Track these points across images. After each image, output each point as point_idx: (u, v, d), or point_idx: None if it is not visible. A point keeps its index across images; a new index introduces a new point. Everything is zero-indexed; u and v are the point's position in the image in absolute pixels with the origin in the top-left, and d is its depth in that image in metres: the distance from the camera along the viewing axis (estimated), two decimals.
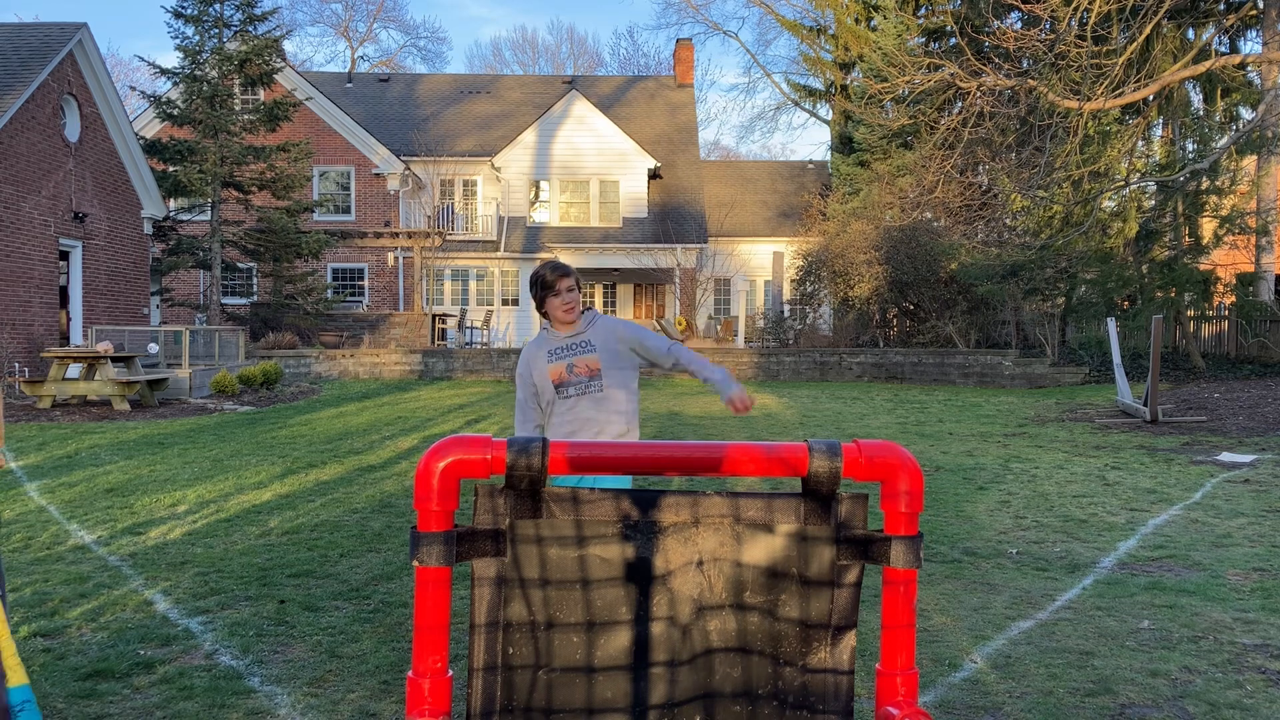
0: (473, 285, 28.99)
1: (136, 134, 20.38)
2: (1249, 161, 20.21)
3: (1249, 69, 20.39)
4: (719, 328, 27.82)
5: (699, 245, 28.71)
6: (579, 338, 3.86)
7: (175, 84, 21.88)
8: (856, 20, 33.24)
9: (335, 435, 11.47)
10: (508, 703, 1.50)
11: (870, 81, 24.83)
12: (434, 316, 24.96)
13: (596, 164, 29.49)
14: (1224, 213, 18.20)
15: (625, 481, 3.88)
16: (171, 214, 22.85)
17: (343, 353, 21.18)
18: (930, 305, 23.19)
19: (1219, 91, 20.53)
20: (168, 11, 21.33)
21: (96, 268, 18.68)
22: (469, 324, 25.57)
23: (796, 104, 40.09)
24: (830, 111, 36.17)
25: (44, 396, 13.74)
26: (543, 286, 3.84)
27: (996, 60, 18.35)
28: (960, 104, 20.90)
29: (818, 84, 37.88)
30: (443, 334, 25.44)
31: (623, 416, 3.83)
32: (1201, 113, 21.44)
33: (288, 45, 59.76)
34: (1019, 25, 20.51)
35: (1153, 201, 20.10)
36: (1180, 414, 13.15)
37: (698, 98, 59.77)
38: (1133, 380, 16.72)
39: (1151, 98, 18.89)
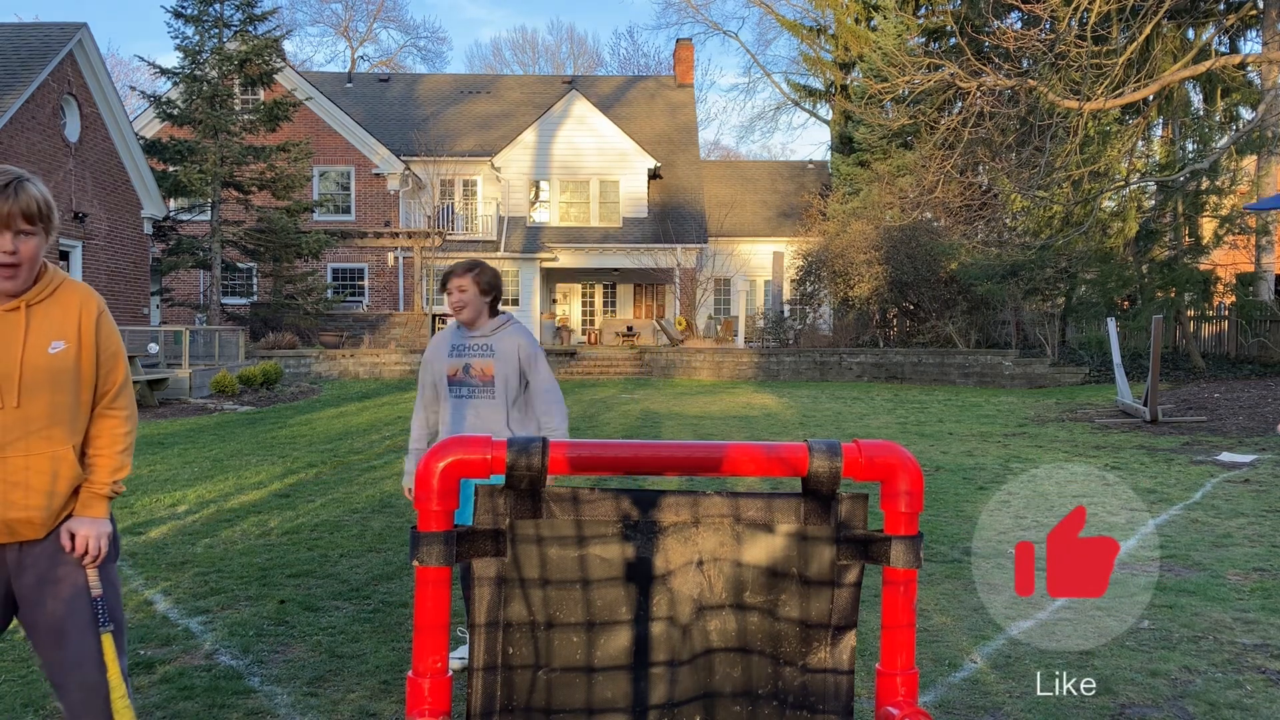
0: None
1: (136, 134, 20.37)
2: (1249, 161, 20.21)
3: (1249, 69, 20.38)
4: (719, 328, 27.81)
5: (699, 245, 28.70)
6: (483, 340, 3.78)
7: (175, 84, 21.88)
8: (856, 20, 33.23)
9: (335, 435, 11.47)
10: (508, 703, 1.50)
11: (870, 81, 24.82)
12: (434, 316, 24.96)
13: (596, 164, 29.48)
14: (1224, 213, 18.20)
15: None
16: (171, 214, 22.84)
17: (343, 353, 21.18)
18: (930, 305, 23.18)
19: (1219, 91, 20.52)
20: (168, 11, 21.34)
21: (96, 268, 18.67)
22: None
23: (796, 104, 40.10)
24: (830, 111, 36.17)
25: None
26: (440, 284, 3.89)
27: (996, 60, 18.34)
28: (960, 104, 20.89)
29: (818, 84, 37.88)
30: None
31: (505, 431, 3.69)
32: (1201, 113, 21.44)
33: (288, 45, 59.73)
34: (1019, 25, 20.51)
35: (1153, 201, 20.10)
36: (1180, 414, 13.15)
37: (698, 98, 59.77)
38: (1133, 380, 16.71)
39: (1151, 98, 18.89)
